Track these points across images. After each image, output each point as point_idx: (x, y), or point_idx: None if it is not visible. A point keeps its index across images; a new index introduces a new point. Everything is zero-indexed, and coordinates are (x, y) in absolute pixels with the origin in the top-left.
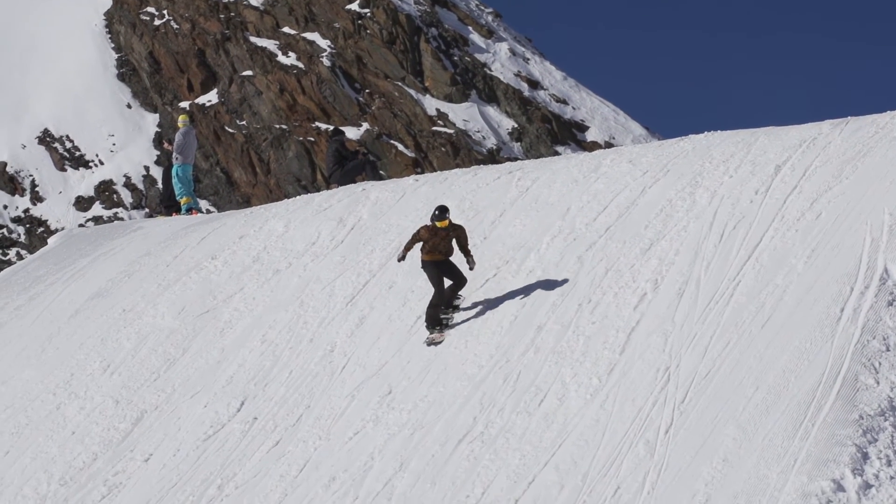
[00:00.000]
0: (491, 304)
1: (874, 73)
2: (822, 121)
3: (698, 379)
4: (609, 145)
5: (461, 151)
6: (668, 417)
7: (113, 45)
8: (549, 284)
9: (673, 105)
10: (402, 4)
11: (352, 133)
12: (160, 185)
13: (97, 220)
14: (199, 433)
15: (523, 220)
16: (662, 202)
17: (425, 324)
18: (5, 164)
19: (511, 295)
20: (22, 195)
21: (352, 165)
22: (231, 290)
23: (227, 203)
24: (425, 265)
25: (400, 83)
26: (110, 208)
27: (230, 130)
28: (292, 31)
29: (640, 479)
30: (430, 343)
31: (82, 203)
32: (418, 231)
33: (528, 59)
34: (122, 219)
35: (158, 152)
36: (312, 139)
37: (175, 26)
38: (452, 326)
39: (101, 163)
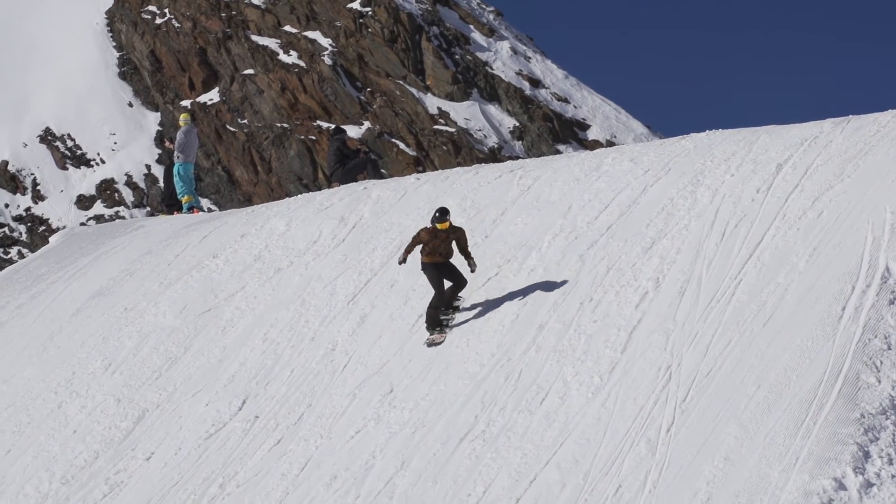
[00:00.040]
0: (492, 302)
1: (875, 72)
2: (823, 119)
3: (700, 377)
4: (610, 144)
5: (462, 150)
6: (669, 416)
7: (114, 44)
8: (550, 283)
9: (674, 104)
10: (403, 3)
11: (353, 132)
12: (162, 184)
13: (98, 218)
14: (201, 432)
15: (525, 219)
16: (664, 201)
17: (425, 325)
18: (7, 163)
19: (512, 293)
20: (23, 194)
21: (353, 164)
22: (232, 289)
23: (229, 202)
24: (425, 267)
25: (401, 82)
26: (112, 207)
27: (231, 129)
28: (294, 30)
29: (642, 477)
30: (431, 344)
31: (84, 202)
32: (418, 233)
33: (530, 58)
34: (123, 217)
35: (160, 151)
36: (314, 138)
37: (176, 25)
38: (453, 327)
39: (103, 161)
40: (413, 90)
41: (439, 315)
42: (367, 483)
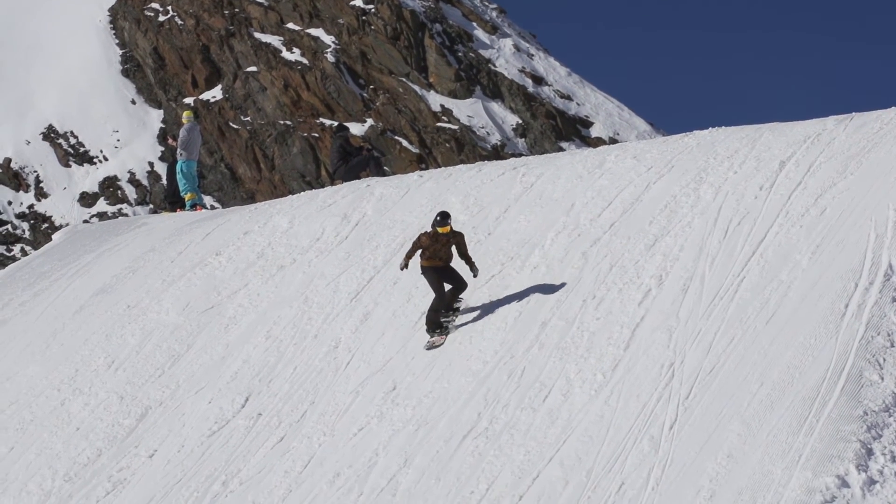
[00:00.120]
0: (495, 300)
1: (877, 71)
2: (826, 117)
3: (703, 375)
4: (613, 141)
5: (465, 147)
6: (672, 413)
7: (117, 41)
8: (553, 280)
9: (677, 101)
10: (406, 0)
11: (356, 129)
12: (164, 181)
13: (101, 216)
14: (204, 429)
15: (528, 217)
16: (667, 198)
17: (426, 328)
18: (10, 160)
19: (515, 291)
20: (26, 191)
21: (356, 161)
22: (235, 287)
23: (232, 199)
24: (425, 271)
25: (404, 79)
26: (115, 204)
27: (234, 126)
28: (297, 27)
29: (645, 474)
30: (431, 347)
31: (87, 199)
32: (419, 238)
33: (533, 55)
34: (126, 215)
35: (163, 148)
36: (317, 135)
37: (179, 22)
38: (453, 329)
39: (106, 159)
40: (416, 87)
41: (440, 318)
42: (370, 480)
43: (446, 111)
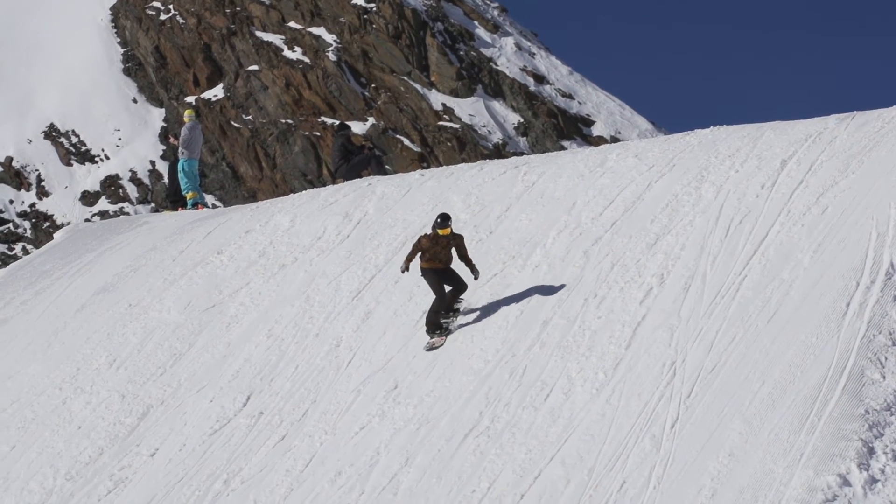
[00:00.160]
0: (496, 298)
1: (879, 70)
2: (827, 115)
3: (704, 373)
4: (615, 140)
5: (467, 146)
6: (673, 412)
7: (119, 40)
8: (554, 279)
9: (679, 100)
10: None
11: (357, 128)
12: (166, 180)
13: (103, 214)
14: (205, 428)
15: (529, 215)
16: (668, 197)
17: (425, 329)
18: (11, 159)
19: (517, 290)
20: (28, 190)
21: (357, 160)
22: (237, 285)
23: (233, 198)
24: (425, 272)
25: (406, 78)
26: (116, 203)
27: (236, 125)
28: (298, 26)
29: (646, 473)
30: (431, 348)
31: (88, 198)
32: (419, 240)
33: (534, 54)
34: (127, 213)
35: (164, 147)
36: (318, 134)
37: (181, 21)
38: (453, 331)
39: (107, 157)
40: (417, 86)
41: (440, 319)
42: (372, 479)
43: (448, 110)
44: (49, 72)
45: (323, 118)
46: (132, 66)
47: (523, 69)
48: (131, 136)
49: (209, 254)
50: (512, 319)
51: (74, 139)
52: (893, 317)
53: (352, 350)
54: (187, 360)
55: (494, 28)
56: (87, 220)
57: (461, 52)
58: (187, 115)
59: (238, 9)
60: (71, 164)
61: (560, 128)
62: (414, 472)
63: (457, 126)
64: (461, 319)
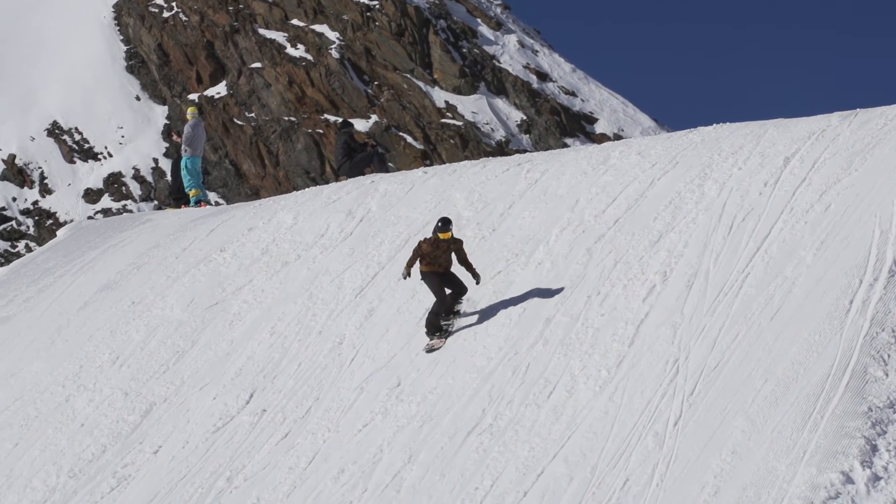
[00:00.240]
0: (500, 296)
1: (882, 67)
2: (830, 113)
3: (707, 371)
4: (618, 137)
5: (470, 143)
6: (676, 409)
7: (122, 38)
8: (557, 277)
9: (682, 97)
10: None
11: (360, 125)
12: (169, 178)
13: (106, 212)
14: (208, 425)
15: (532, 213)
16: (671, 194)
17: (425, 330)
18: (14, 157)
19: (519, 287)
20: (31, 187)
21: (360, 157)
22: (240, 283)
23: (236, 195)
24: (425, 275)
25: (409, 75)
26: (119, 200)
27: (239, 122)
28: (301, 24)
29: (649, 471)
30: (430, 350)
31: (91, 195)
32: (419, 245)
33: (537, 52)
34: (130, 211)
35: (167, 144)
36: (321, 131)
37: (184, 18)
38: (453, 333)
39: (110, 155)
40: (420, 84)
41: (440, 321)
42: (375, 476)
43: (451, 107)
44: (52, 69)
45: (326, 115)
46: (135, 64)
47: (526, 67)
48: (134, 134)
49: (212, 251)
50: (515, 317)
51: (77, 136)
52: None
53: (355, 347)
54: (190, 357)
55: (497, 25)
56: (89, 218)
57: (464, 50)
58: (190, 112)
59: (241, 6)
60: (74, 162)
61: (563, 125)
62: (417, 470)
63: (460, 123)
64: (463, 319)
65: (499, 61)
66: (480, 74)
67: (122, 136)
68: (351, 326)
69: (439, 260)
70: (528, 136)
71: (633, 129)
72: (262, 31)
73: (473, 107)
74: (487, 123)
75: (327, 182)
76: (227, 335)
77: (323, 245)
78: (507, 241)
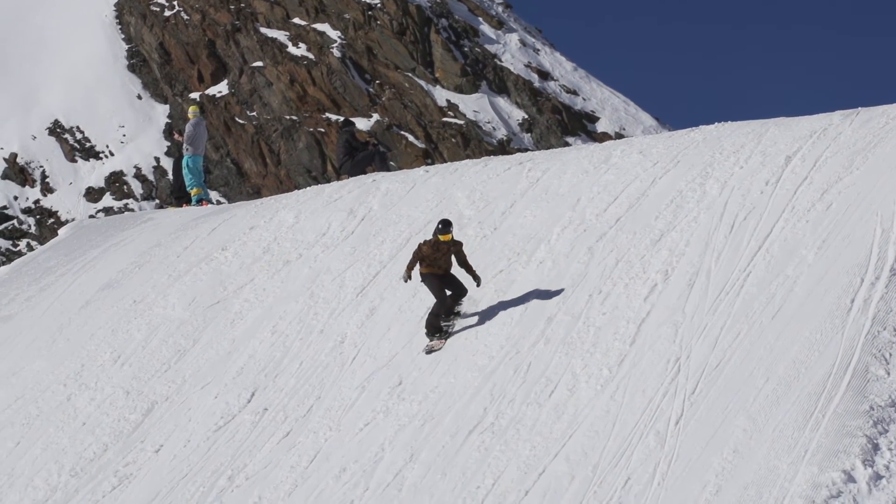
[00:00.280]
0: (501, 295)
1: (884, 66)
2: (832, 112)
3: (709, 370)
4: (619, 136)
5: (471, 142)
6: (678, 408)
7: (123, 36)
8: (559, 276)
9: (683, 96)
10: None
11: (362, 124)
12: (171, 176)
13: (107, 211)
14: (210, 424)
15: (533, 211)
16: (673, 193)
17: (425, 331)
18: (16, 156)
19: (521, 286)
20: (32, 186)
21: (362, 156)
22: (241, 281)
23: (238, 194)
24: (425, 277)
25: (410, 74)
26: (121, 199)
27: (240, 121)
28: (302, 22)
29: (651, 469)
30: (430, 351)
31: (93, 194)
32: (419, 248)
33: (539, 50)
34: (132, 210)
35: (169, 143)
36: (323, 130)
37: (185, 17)
38: (453, 334)
39: (112, 154)
40: (422, 82)
41: (440, 322)
42: (376, 475)
43: (452, 106)
44: (53, 68)
45: (327, 114)
46: (136, 63)
47: (528, 65)
48: (136, 133)
49: (213, 250)
50: (516, 316)
51: (79, 135)
52: None
53: (356, 346)
54: (192, 356)
55: (499, 24)
56: (91, 217)
57: (466, 49)
58: (191, 111)
59: (242, 5)
60: (75, 161)
61: (564, 124)
62: (418, 469)
63: (461, 122)
64: (465, 317)
65: (500, 60)
66: (482, 73)
67: (124, 135)
68: (352, 325)
69: (439, 262)
70: (529, 134)
71: (635, 127)
72: (263, 30)
73: (475, 105)
74: (489, 122)
75: (329, 181)
76: (228, 334)
77: (324, 244)
78: (509, 240)
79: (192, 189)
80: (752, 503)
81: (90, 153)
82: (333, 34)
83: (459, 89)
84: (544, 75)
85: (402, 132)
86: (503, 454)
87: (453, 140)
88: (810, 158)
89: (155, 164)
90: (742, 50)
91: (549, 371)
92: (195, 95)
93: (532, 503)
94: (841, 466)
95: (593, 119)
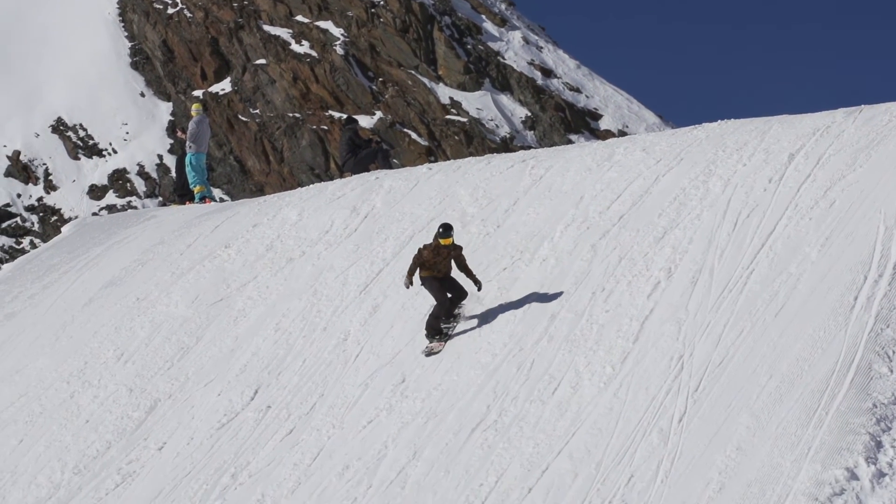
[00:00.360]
0: (504, 292)
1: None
2: (835, 109)
3: (712, 367)
4: (622, 133)
5: (474, 140)
6: (681, 406)
7: (126, 34)
8: (562, 273)
9: (686, 93)
10: None
11: (365, 121)
12: (174, 174)
13: (111, 208)
14: (213, 422)
15: (537, 209)
16: (676, 190)
17: (425, 333)
18: (19, 153)
19: (524, 284)
20: (35, 184)
21: (365, 154)
22: (244, 279)
23: (241, 191)
24: (425, 280)
25: (413, 72)
26: (124, 197)
27: (243, 119)
28: (305, 20)
29: (654, 467)
30: (429, 353)
31: (96, 192)
32: (420, 253)
33: (542, 48)
34: (135, 207)
35: (172, 141)
36: (326, 128)
37: (188, 15)
38: (453, 336)
39: (115, 151)
40: (425, 80)
41: (440, 324)
42: (380, 473)
43: (455, 104)
44: (56, 66)
45: (330, 112)
46: (140, 60)
47: (531, 63)
48: (139, 130)
49: (217, 248)
50: (519, 313)
51: (82, 133)
52: None
53: (359, 344)
54: (195, 353)
55: (502, 22)
56: (94, 214)
57: (469, 46)
58: (195, 108)
59: (245, 3)
60: (78, 158)
61: (567, 121)
62: (422, 466)
63: (464, 120)
64: (468, 315)
65: (503, 57)
66: (485, 71)
67: (127, 133)
68: (355, 323)
69: (440, 266)
70: (532, 132)
71: (638, 125)
72: (266, 28)
73: (478, 103)
74: (492, 120)
75: (332, 178)
76: (231, 332)
77: (327, 241)
78: (512, 238)
79: (195, 187)
80: (756, 500)
81: (93, 151)
82: (336, 32)
83: (462, 87)
84: (547, 73)
85: (405, 130)
86: (506, 452)
87: (456, 138)
88: (813, 156)
89: (158, 161)
90: (742, 50)
91: (553, 368)
92: (198, 93)
93: (535, 501)
94: (844, 464)
95: (596, 116)
